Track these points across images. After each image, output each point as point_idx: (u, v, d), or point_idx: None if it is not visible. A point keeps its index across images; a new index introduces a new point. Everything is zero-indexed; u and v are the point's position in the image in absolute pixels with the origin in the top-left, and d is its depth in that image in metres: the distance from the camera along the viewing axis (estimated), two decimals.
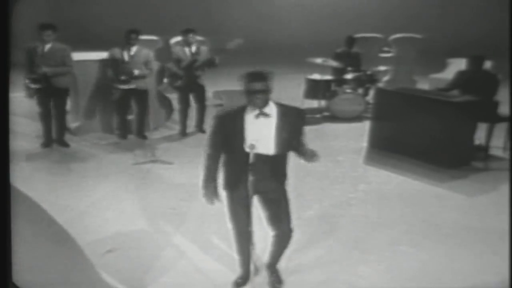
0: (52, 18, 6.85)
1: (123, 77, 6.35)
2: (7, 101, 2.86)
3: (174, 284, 3.55)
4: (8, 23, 2.78)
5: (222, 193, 3.29)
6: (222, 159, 3.26)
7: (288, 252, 3.45)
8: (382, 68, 8.46)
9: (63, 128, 6.39)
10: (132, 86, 6.39)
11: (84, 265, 3.13)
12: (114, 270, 3.50)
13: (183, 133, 6.93)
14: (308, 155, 3.17)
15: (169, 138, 6.81)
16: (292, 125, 3.14)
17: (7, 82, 2.83)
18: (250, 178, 3.01)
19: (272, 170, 3.18)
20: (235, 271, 3.53)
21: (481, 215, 4.60)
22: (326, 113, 7.79)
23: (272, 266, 3.51)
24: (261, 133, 3.07)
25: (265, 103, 3.08)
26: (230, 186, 3.25)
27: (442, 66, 8.46)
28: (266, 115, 3.09)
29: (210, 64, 6.69)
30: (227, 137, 3.15)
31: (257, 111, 3.08)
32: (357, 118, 7.56)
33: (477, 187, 5.22)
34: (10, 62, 2.85)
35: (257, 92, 3.02)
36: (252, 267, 3.31)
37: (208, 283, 3.53)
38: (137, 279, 3.52)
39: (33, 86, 5.98)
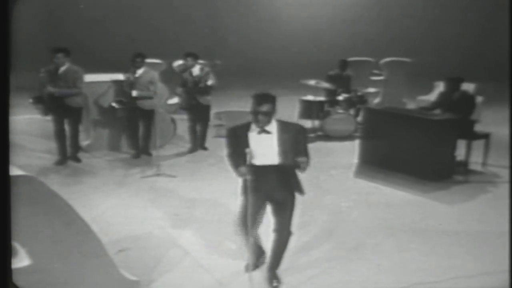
0: (62, 42, 7.27)
1: (122, 99, 6.75)
2: (7, 101, 2.94)
3: (178, 278, 3.90)
4: (8, 24, 2.82)
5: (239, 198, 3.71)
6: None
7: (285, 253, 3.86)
8: (372, 90, 8.95)
9: (76, 145, 6.71)
10: (133, 106, 6.77)
11: (102, 258, 3.50)
12: (125, 266, 3.78)
13: (193, 150, 7.30)
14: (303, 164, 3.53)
15: (173, 154, 7.21)
16: (292, 138, 3.53)
17: (7, 81, 2.90)
18: (262, 186, 3.47)
19: (280, 179, 3.58)
20: (234, 268, 3.96)
21: (461, 221, 5.01)
22: (319, 133, 8.17)
23: (272, 270, 3.84)
24: (263, 148, 3.49)
25: (268, 122, 3.52)
26: (246, 192, 3.62)
27: (429, 89, 8.93)
28: (267, 132, 3.52)
29: (205, 88, 7.09)
30: (235, 148, 3.57)
31: (259, 129, 3.52)
32: (349, 137, 7.94)
33: (457, 197, 5.62)
34: (11, 63, 2.90)
35: (261, 113, 3.45)
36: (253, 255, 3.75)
37: (209, 278, 3.90)
38: (146, 274, 3.88)
39: (37, 105, 6.27)
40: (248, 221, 3.63)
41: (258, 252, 3.94)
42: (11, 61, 2.89)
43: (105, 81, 7.09)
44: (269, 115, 3.48)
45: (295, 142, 3.54)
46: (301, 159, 3.47)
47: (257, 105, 3.45)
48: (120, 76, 6.96)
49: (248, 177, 3.49)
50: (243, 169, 3.49)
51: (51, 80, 6.35)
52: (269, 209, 3.73)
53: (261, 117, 3.45)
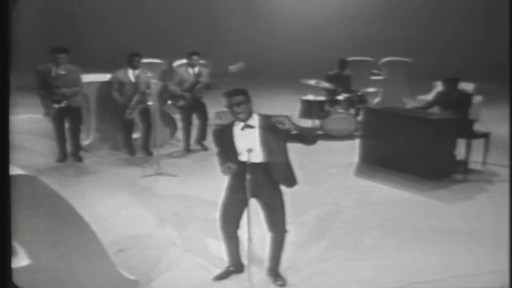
0: (59, 42, 7.29)
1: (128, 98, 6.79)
2: (7, 101, 2.95)
3: (178, 278, 3.92)
4: (8, 23, 2.83)
5: (222, 194, 3.75)
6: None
7: (284, 252, 3.85)
8: (372, 89, 8.97)
9: (78, 144, 6.75)
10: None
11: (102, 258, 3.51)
12: (124, 266, 3.80)
13: (187, 149, 7.35)
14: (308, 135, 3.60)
15: (173, 154, 7.24)
16: (276, 131, 3.51)
17: (7, 81, 2.92)
18: (248, 182, 3.45)
19: (267, 176, 3.58)
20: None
21: (460, 220, 5.02)
22: (320, 132, 8.19)
23: (274, 270, 3.85)
24: (248, 143, 3.49)
25: (248, 115, 3.54)
26: (231, 188, 3.70)
27: (428, 88, 8.94)
28: (250, 126, 3.54)
29: (208, 87, 7.15)
30: (223, 148, 3.63)
31: (242, 124, 3.55)
32: (349, 136, 7.94)
33: (457, 196, 5.63)
34: (11, 63, 2.91)
35: (237, 104, 3.48)
36: (244, 261, 3.77)
37: (208, 277, 3.91)
38: (145, 274, 3.89)
39: (56, 106, 6.34)
40: (229, 220, 3.69)
41: (237, 254, 3.90)
42: (11, 60, 2.90)
43: (104, 81, 7.09)
44: (243, 105, 3.50)
45: (278, 134, 3.52)
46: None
47: (228, 99, 3.50)
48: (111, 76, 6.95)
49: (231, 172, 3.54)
50: (228, 165, 3.53)
51: (50, 80, 6.36)
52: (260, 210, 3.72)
53: (236, 108, 3.48)
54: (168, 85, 7.20)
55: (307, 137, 3.62)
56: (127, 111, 6.81)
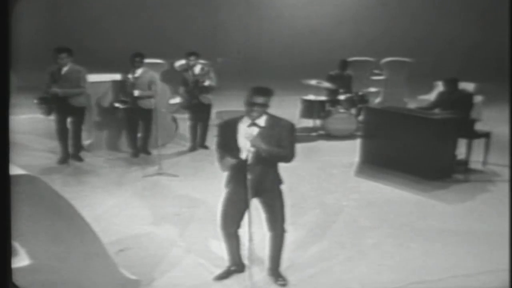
0: (62, 42, 7.30)
1: (125, 98, 6.82)
2: (7, 101, 2.89)
3: (179, 277, 3.92)
4: (8, 23, 2.80)
5: (222, 192, 3.74)
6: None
7: (285, 252, 3.85)
8: (373, 89, 8.98)
9: (79, 144, 6.76)
10: (134, 105, 6.83)
11: (102, 257, 3.52)
12: (126, 266, 3.80)
13: (193, 149, 7.36)
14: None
15: (175, 154, 7.25)
16: (277, 135, 3.51)
17: (7, 80, 2.87)
18: (249, 182, 3.43)
19: (265, 174, 3.57)
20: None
21: (461, 220, 5.02)
22: (321, 132, 8.23)
23: (274, 270, 3.85)
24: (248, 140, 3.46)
25: (260, 116, 3.51)
26: (231, 188, 3.67)
27: (429, 88, 8.95)
28: (257, 125, 3.50)
29: (208, 87, 7.16)
30: (226, 142, 3.59)
31: (249, 121, 3.51)
32: (350, 136, 7.95)
33: (457, 196, 5.63)
34: (10, 62, 2.87)
35: (256, 105, 3.44)
36: (245, 260, 3.76)
37: (209, 277, 3.91)
38: (146, 274, 3.89)
39: (41, 105, 6.31)
40: (229, 219, 3.68)
41: (238, 254, 3.90)
42: (11, 60, 2.91)
43: (105, 81, 7.13)
44: (263, 108, 3.46)
45: (280, 139, 3.52)
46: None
47: (253, 96, 3.43)
48: (120, 76, 7.00)
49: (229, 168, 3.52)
50: (227, 160, 3.51)
51: (54, 80, 6.41)
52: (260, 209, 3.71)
53: (256, 108, 3.43)
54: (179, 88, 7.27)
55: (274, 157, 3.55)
56: (120, 105, 6.82)
